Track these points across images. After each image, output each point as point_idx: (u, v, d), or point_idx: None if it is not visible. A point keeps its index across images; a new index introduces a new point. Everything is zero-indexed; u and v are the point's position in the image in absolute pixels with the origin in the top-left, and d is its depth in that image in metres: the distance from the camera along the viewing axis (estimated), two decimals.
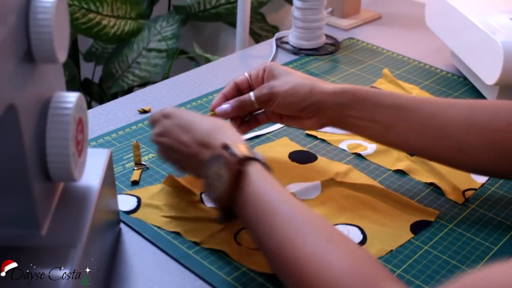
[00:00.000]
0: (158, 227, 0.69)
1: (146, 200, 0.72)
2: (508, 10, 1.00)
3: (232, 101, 0.77)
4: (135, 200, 0.73)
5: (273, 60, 1.13)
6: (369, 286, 0.48)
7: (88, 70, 1.93)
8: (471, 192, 0.77)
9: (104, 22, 1.67)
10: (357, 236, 0.68)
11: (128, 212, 0.71)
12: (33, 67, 0.50)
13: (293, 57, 1.14)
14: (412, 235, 0.70)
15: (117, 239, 0.67)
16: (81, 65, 1.91)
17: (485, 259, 0.67)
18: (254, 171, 0.59)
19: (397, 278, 0.54)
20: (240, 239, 0.67)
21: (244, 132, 0.81)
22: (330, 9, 1.29)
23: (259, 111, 0.80)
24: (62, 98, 0.53)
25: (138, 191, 0.74)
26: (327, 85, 0.73)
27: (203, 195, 0.73)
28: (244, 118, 0.80)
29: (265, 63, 0.78)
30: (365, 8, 1.37)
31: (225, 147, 0.60)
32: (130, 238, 0.68)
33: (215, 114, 0.77)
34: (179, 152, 0.67)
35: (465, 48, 1.01)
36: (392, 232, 0.70)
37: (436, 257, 0.67)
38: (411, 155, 0.82)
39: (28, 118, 0.49)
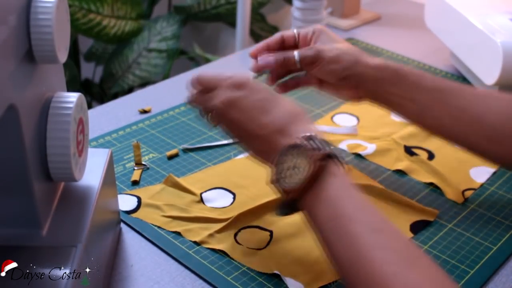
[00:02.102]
0: (158, 227, 0.69)
1: (147, 200, 0.73)
2: (508, 10, 1.00)
3: (277, 54, 0.74)
4: (135, 200, 0.73)
5: None
6: None
7: (89, 70, 1.94)
8: (470, 192, 0.77)
9: (105, 22, 1.68)
10: None
11: (129, 212, 0.71)
12: (34, 67, 0.50)
13: None
14: (412, 235, 0.70)
15: (117, 239, 0.68)
16: (82, 65, 1.91)
17: (485, 259, 0.67)
18: (335, 171, 0.55)
19: None
20: (240, 239, 0.68)
21: (281, 92, 0.78)
22: (330, 9, 1.30)
23: (300, 73, 0.77)
24: (62, 98, 0.53)
25: (138, 191, 0.75)
26: (372, 59, 0.73)
27: (203, 195, 0.74)
28: (281, 78, 0.77)
29: (315, 25, 0.77)
30: (365, 9, 1.37)
31: (309, 138, 0.57)
32: (130, 238, 0.68)
33: (256, 59, 0.75)
34: (248, 131, 0.61)
35: (465, 48, 1.02)
36: None
37: (436, 256, 0.67)
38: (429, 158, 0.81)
39: (29, 118, 0.49)
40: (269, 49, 0.76)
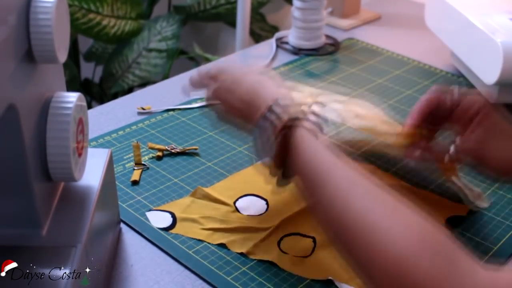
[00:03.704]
0: (200, 240, 0.68)
1: (181, 215, 0.71)
2: (508, 10, 1.00)
3: (426, 150, 0.67)
4: (169, 215, 0.71)
5: (273, 60, 1.13)
6: (442, 257, 0.45)
7: (88, 70, 1.94)
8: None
9: (104, 22, 1.68)
10: None
11: (166, 229, 0.69)
12: (34, 67, 0.50)
13: (293, 57, 1.14)
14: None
15: (117, 239, 0.68)
16: (81, 65, 1.91)
17: (485, 259, 0.67)
18: (302, 133, 0.56)
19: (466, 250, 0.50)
20: (284, 247, 0.67)
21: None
22: (330, 9, 1.29)
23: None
24: (62, 98, 0.53)
25: (168, 206, 0.72)
26: None
27: (236, 204, 0.72)
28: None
29: (482, 98, 0.65)
30: (365, 8, 1.37)
31: (269, 109, 0.58)
32: (130, 238, 0.68)
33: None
34: (234, 115, 0.65)
35: (465, 48, 1.02)
36: None
37: None
38: None
39: (29, 118, 0.49)
40: (423, 121, 0.67)
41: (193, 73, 0.72)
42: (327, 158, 0.55)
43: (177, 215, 0.71)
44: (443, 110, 0.67)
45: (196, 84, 0.71)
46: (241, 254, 0.66)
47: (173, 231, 0.69)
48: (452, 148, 0.65)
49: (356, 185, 0.51)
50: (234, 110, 0.64)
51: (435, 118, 0.68)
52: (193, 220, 0.70)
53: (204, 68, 0.71)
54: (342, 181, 0.52)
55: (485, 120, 0.64)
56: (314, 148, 0.56)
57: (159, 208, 0.72)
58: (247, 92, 0.63)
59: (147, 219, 0.70)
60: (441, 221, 0.71)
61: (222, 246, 0.67)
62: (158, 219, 0.70)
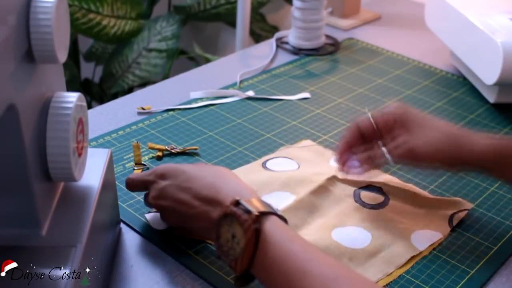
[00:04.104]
0: (200, 240, 0.67)
1: None
2: (508, 10, 1.00)
3: (362, 160, 0.71)
4: None
5: (272, 60, 1.13)
6: None
7: (88, 70, 1.94)
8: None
9: (104, 22, 1.68)
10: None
11: (166, 231, 0.68)
12: (34, 67, 0.50)
13: (293, 57, 1.14)
14: (450, 229, 0.70)
15: (117, 239, 0.68)
16: (81, 65, 1.91)
17: (485, 259, 0.67)
18: (273, 228, 0.52)
19: None
20: None
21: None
22: (330, 9, 1.30)
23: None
24: (62, 98, 0.53)
25: None
26: (474, 142, 0.68)
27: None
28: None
29: (394, 107, 0.72)
30: (365, 8, 1.37)
31: (237, 203, 0.54)
32: (130, 238, 0.68)
33: (342, 164, 0.73)
34: (183, 215, 0.61)
35: (465, 48, 1.02)
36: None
37: (436, 257, 0.67)
38: None
39: (29, 118, 0.49)
40: (350, 147, 0.73)
41: (131, 175, 0.69)
42: (302, 250, 0.52)
43: None
44: (369, 134, 0.72)
45: (137, 184, 0.67)
46: None
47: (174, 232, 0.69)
48: (387, 156, 0.69)
49: (336, 281, 0.49)
50: (187, 208, 0.60)
51: (365, 141, 0.73)
52: None
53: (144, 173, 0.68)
54: (320, 279, 0.50)
55: (404, 123, 0.70)
56: (287, 242, 0.52)
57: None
58: (204, 187, 0.59)
59: (147, 219, 0.70)
60: (446, 219, 0.71)
61: (177, 234, 0.67)
62: (158, 221, 0.70)
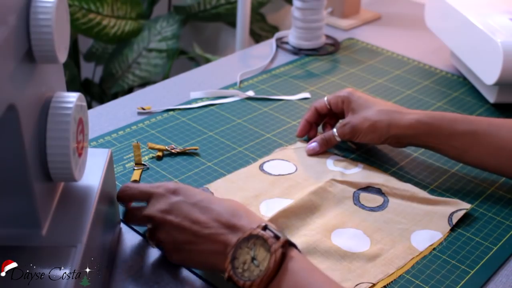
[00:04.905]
0: None
1: None
2: (508, 10, 1.00)
3: (318, 139, 0.84)
4: None
5: (273, 60, 1.13)
6: None
7: (89, 70, 1.94)
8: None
9: (105, 22, 1.68)
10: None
11: None
12: (34, 67, 0.50)
13: (293, 57, 1.14)
14: (449, 227, 0.70)
15: (117, 239, 0.68)
16: (82, 65, 1.91)
17: (485, 259, 0.67)
18: (296, 257, 0.54)
19: None
20: None
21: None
22: (330, 9, 1.30)
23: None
24: (62, 98, 0.53)
25: None
26: (403, 116, 0.77)
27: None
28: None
29: (343, 92, 0.83)
30: (365, 8, 1.37)
31: (265, 227, 0.55)
32: (130, 238, 0.68)
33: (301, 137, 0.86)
34: (191, 233, 0.59)
35: (465, 48, 1.02)
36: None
37: (436, 257, 0.67)
38: None
39: (29, 118, 0.49)
40: (309, 124, 0.87)
41: (129, 185, 0.65)
42: (319, 280, 0.54)
43: None
44: (324, 114, 0.87)
45: (136, 194, 0.64)
46: None
47: None
48: (335, 133, 0.83)
49: None
50: (200, 227, 0.59)
51: (321, 120, 0.88)
52: None
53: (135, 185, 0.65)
54: None
55: (349, 104, 0.82)
56: (308, 271, 0.54)
57: None
58: (226, 212, 0.59)
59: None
60: (445, 218, 0.71)
61: None
62: None
